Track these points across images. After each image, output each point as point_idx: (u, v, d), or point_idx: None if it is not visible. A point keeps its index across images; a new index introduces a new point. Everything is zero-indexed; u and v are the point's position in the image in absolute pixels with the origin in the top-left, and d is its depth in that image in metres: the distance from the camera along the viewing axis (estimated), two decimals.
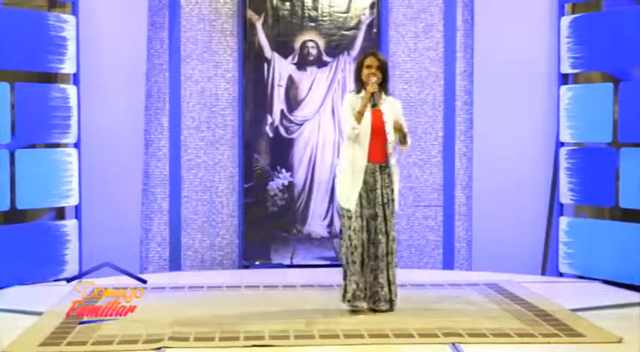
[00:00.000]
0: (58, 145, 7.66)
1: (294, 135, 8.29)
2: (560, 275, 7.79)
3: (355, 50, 8.21)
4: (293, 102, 8.29)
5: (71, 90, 7.65)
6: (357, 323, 5.83)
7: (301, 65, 8.28)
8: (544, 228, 7.96)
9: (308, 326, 5.76)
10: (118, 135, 7.87)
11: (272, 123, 8.27)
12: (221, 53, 8.26)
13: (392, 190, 6.24)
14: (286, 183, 8.29)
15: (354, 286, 6.16)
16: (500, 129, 7.93)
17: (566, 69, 7.74)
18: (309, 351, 5.31)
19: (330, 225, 8.28)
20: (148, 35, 8.07)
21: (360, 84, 6.25)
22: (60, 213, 7.78)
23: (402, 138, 6.28)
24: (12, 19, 7.25)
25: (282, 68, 8.27)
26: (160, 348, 5.29)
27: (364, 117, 6.13)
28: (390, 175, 6.23)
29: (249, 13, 8.23)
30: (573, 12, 7.82)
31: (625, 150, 7.23)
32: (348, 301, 6.18)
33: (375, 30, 8.25)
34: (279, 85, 8.27)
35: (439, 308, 6.35)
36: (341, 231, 6.27)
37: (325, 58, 8.27)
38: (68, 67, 7.61)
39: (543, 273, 7.91)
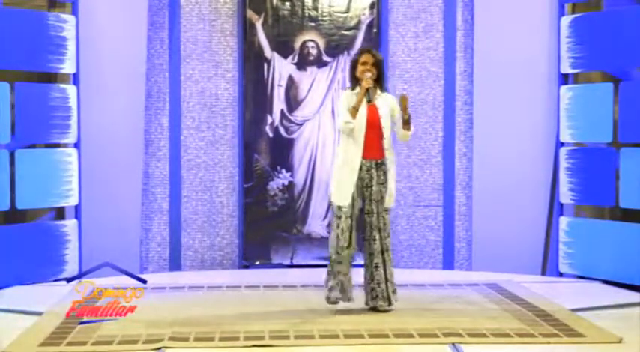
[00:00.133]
0: (58, 145, 7.66)
1: (294, 135, 8.29)
2: (560, 275, 7.79)
3: (355, 50, 8.18)
4: (293, 102, 8.29)
5: (71, 90, 7.65)
6: (357, 323, 5.83)
7: (301, 65, 8.28)
8: (544, 228, 7.96)
9: (308, 326, 5.76)
10: (118, 135, 7.87)
11: (272, 123, 8.27)
12: (221, 53, 8.26)
13: (386, 188, 6.20)
14: (286, 183, 8.29)
15: (331, 283, 6.17)
16: (500, 129, 7.93)
17: (566, 69, 7.74)
18: (309, 351, 5.31)
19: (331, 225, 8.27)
20: (148, 35, 8.07)
21: (356, 81, 6.23)
22: (60, 213, 7.78)
23: (406, 122, 6.15)
24: (12, 19, 7.25)
25: (282, 68, 8.27)
26: (159, 348, 5.28)
27: (359, 113, 6.11)
28: (385, 172, 6.20)
29: (249, 13, 8.23)
30: (573, 12, 7.82)
31: (625, 150, 7.23)
32: (327, 298, 6.20)
33: (375, 30, 8.25)
34: (279, 85, 8.27)
35: (439, 308, 6.35)
36: (329, 225, 6.24)
37: (325, 58, 8.27)
38: (68, 67, 7.61)
39: (543, 273, 7.91)
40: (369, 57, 6.21)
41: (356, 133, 6.12)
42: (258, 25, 8.23)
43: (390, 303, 6.21)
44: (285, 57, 8.26)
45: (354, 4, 8.25)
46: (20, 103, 7.27)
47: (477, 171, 8.09)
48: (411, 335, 5.52)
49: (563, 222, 7.78)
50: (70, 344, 5.41)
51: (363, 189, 6.17)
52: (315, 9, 8.24)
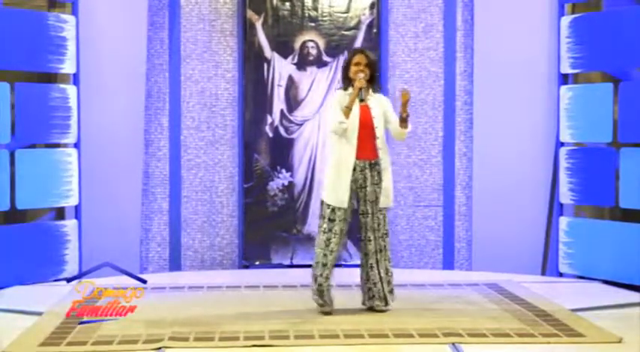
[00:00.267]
0: (58, 145, 7.66)
1: (294, 135, 8.29)
2: (560, 275, 7.79)
3: None
4: (293, 102, 8.29)
5: (71, 90, 7.65)
6: (357, 323, 5.83)
7: (301, 65, 8.28)
8: (544, 228, 7.96)
9: (308, 326, 5.76)
10: (118, 135, 7.87)
11: (272, 123, 8.27)
12: (221, 53, 8.26)
13: (381, 188, 6.15)
14: (286, 183, 8.29)
15: (314, 287, 6.16)
16: (500, 129, 7.93)
17: (566, 69, 7.74)
18: (309, 351, 5.31)
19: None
20: (148, 35, 8.07)
21: (348, 81, 6.19)
22: (60, 213, 7.78)
23: (403, 120, 6.09)
24: (12, 19, 7.25)
25: (282, 68, 8.27)
26: (159, 348, 5.29)
27: (352, 113, 6.06)
28: (379, 172, 6.16)
29: (249, 13, 8.23)
30: (573, 12, 7.82)
31: (625, 150, 7.23)
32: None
33: (375, 30, 8.25)
34: (279, 85, 8.27)
35: (439, 308, 6.35)
36: (319, 226, 6.18)
37: (325, 58, 8.27)
38: (68, 67, 7.61)
39: (543, 273, 7.91)
40: (362, 57, 6.18)
41: (349, 134, 6.07)
42: (258, 25, 8.23)
43: (386, 303, 6.20)
44: (285, 57, 8.26)
45: (354, 4, 8.25)
46: (20, 103, 7.27)
47: (477, 171, 8.09)
48: (411, 335, 5.52)
49: (563, 222, 7.78)
50: (70, 344, 5.41)
51: (357, 189, 6.15)
52: (315, 9, 8.24)
